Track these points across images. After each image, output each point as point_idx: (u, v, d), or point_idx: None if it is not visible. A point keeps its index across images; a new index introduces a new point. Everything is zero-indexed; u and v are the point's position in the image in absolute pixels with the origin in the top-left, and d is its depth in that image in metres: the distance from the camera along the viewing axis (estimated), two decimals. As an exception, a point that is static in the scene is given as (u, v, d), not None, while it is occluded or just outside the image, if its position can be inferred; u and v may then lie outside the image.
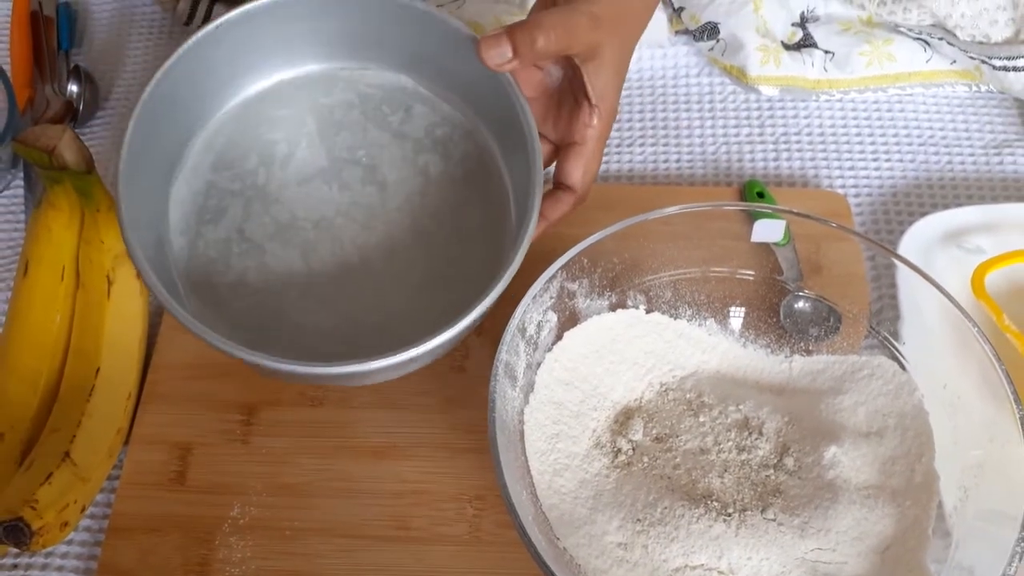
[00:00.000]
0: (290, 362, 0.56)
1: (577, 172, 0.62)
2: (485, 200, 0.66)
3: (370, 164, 0.66)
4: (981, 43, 0.82)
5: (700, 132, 0.85)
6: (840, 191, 0.81)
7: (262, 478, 0.66)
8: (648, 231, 0.65)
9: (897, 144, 0.83)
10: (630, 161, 0.84)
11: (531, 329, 0.62)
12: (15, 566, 0.65)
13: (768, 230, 0.67)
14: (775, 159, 0.83)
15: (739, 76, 0.86)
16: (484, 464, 0.63)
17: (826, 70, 0.85)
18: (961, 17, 0.81)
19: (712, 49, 0.87)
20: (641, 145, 0.85)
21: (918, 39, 0.84)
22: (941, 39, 0.83)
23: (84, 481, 0.64)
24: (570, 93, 0.63)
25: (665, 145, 0.85)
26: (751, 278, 0.68)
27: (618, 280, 0.66)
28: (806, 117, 0.85)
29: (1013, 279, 0.71)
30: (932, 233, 0.74)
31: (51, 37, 0.90)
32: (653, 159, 0.84)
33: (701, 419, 0.64)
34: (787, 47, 0.86)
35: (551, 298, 0.63)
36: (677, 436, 0.63)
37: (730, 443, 0.62)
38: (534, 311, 0.61)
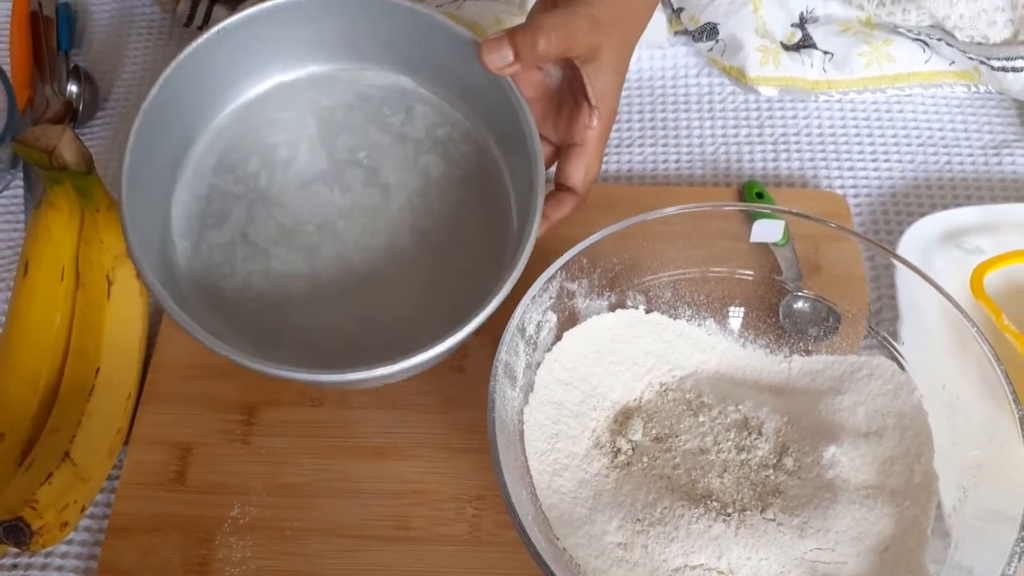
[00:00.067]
0: (291, 369, 0.56)
1: (578, 173, 0.62)
2: (486, 201, 0.66)
3: (371, 166, 0.66)
4: (980, 44, 0.82)
5: (699, 132, 0.85)
6: (839, 191, 0.81)
7: (262, 478, 0.66)
8: (647, 231, 0.65)
9: (896, 144, 0.84)
10: (629, 161, 0.84)
11: (531, 329, 0.62)
12: (15, 566, 0.65)
13: (767, 230, 0.67)
14: (774, 159, 0.83)
15: (738, 77, 0.86)
16: (484, 464, 0.63)
17: (825, 71, 0.85)
18: (960, 18, 0.81)
19: (711, 50, 0.87)
20: (640, 145, 0.85)
21: (917, 40, 0.84)
22: (940, 40, 0.83)
23: (84, 481, 0.64)
24: (570, 94, 0.63)
25: (664, 145, 0.85)
26: (750, 278, 0.69)
27: (617, 280, 0.66)
28: (805, 118, 0.85)
29: (1012, 279, 0.71)
30: (931, 233, 0.74)
31: (51, 37, 0.90)
32: (652, 159, 0.84)
33: (700, 419, 0.64)
34: (786, 48, 0.86)
35: (551, 298, 0.63)
36: (676, 436, 0.63)
37: (729, 443, 0.62)
38: (534, 311, 0.62)
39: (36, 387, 0.67)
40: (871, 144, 0.84)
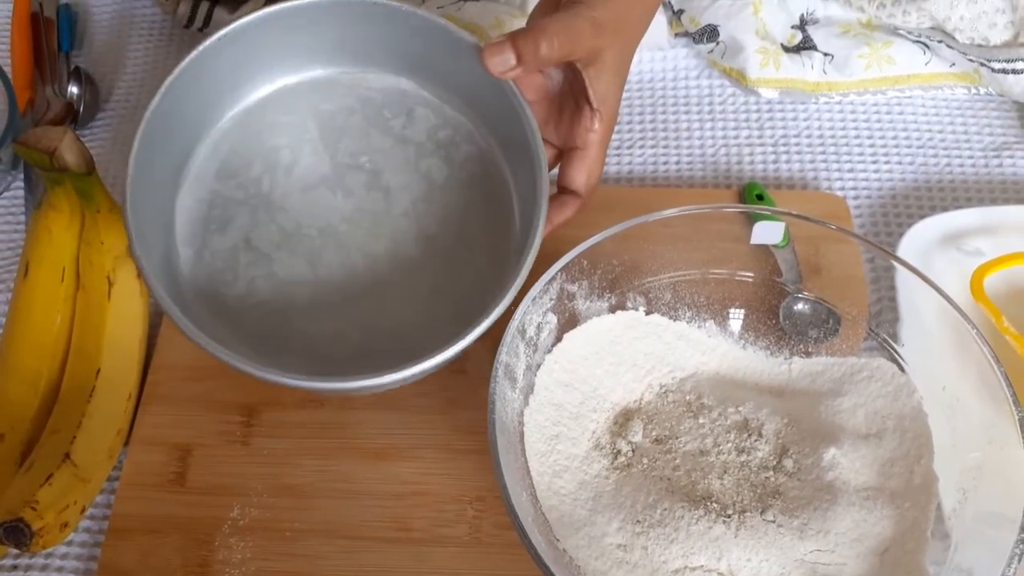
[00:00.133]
0: (295, 377, 0.56)
1: (581, 177, 0.62)
2: (489, 204, 0.66)
3: (373, 169, 0.66)
4: (980, 46, 0.82)
5: (700, 134, 0.85)
6: (839, 193, 0.81)
7: (262, 479, 0.66)
8: (648, 233, 0.65)
9: (896, 146, 0.84)
10: (630, 163, 0.84)
11: (531, 331, 0.62)
12: (15, 567, 0.65)
13: (767, 232, 0.67)
14: (774, 161, 0.83)
15: (739, 78, 0.86)
16: (484, 465, 0.63)
17: (825, 72, 0.85)
18: (960, 20, 0.81)
19: (712, 51, 0.87)
20: (641, 147, 0.85)
21: (917, 42, 0.84)
22: (940, 42, 0.83)
23: (84, 482, 0.64)
24: (571, 97, 0.63)
25: (665, 147, 0.85)
26: (750, 280, 0.69)
27: (618, 282, 0.67)
28: (805, 119, 0.85)
29: (1012, 281, 0.71)
30: (931, 235, 0.74)
31: (51, 39, 0.90)
32: (653, 161, 0.84)
33: (701, 421, 0.64)
34: (786, 49, 0.86)
35: (551, 300, 0.63)
36: (677, 438, 0.63)
37: (729, 445, 0.62)
38: (534, 313, 0.62)
39: (36, 388, 0.67)
40: (871, 146, 0.84)
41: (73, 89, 0.88)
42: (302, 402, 0.69)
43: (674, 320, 0.68)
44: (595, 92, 0.60)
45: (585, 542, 0.58)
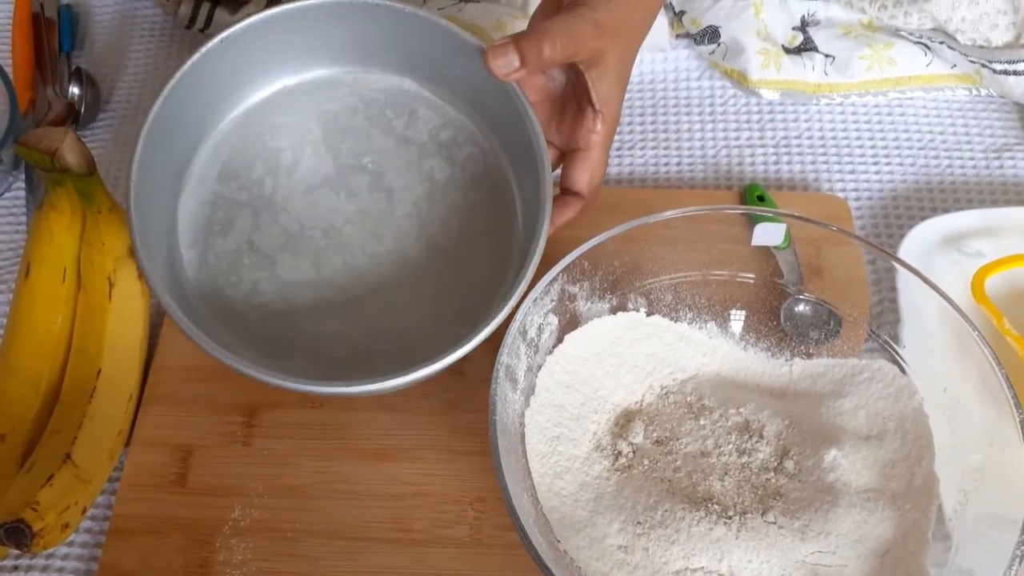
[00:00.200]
0: (300, 381, 0.56)
1: (583, 178, 0.62)
2: (491, 204, 0.66)
3: (376, 170, 0.66)
4: (982, 47, 0.82)
5: (701, 136, 0.85)
6: (840, 195, 0.81)
7: (263, 480, 0.66)
8: (649, 234, 0.65)
9: (897, 148, 0.84)
10: (631, 164, 0.84)
11: (532, 332, 0.62)
12: (16, 568, 0.65)
13: (768, 233, 0.67)
14: (775, 163, 0.83)
15: (740, 80, 0.86)
16: (485, 466, 0.63)
17: (826, 74, 0.85)
18: (962, 21, 0.81)
19: (713, 53, 0.87)
20: (642, 148, 0.85)
21: (919, 43, 0.84)
22: (942, 43, 0.83)
23: (85, 483, 0.64)
24: (573, 98, 0.63)
25: (666, 148, 0.85)
26: (752, 281, 0.69)
27: (619, 283, 0.67)
28: (806, 121, 0.85)
29: (1013, 283, 0.71)
30: (932, 237, 0.74)
31: (52, 39, 0.90)
32: (654, 162, 0.84)
33: (702, 422, 0.64)
34: (788, 51, 0.86)
35: (552, 301, 0.63)
36: (677, 439, 0.63)
37: (730, 446, 0.62)
38: (535, 314, 0.62)
39: (38, 388, 0.67)
40: (872, 147, 0.84)
41: (74, 90, 0.88)
42: (302, 403, 0.69)
43: (675, 321, 0.68)
44: (597, 93, 0.60)
45: (586, 543, 0.58)
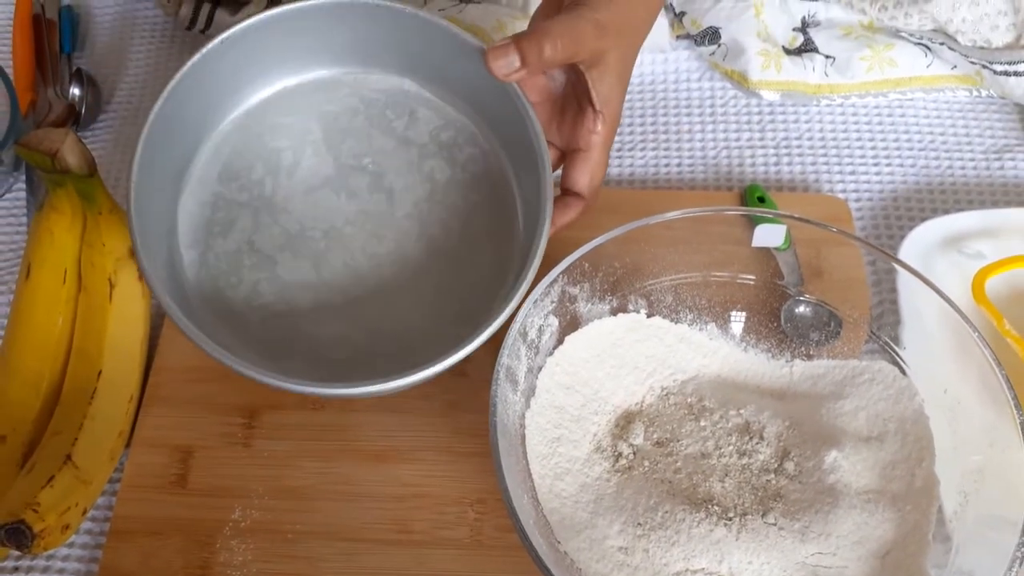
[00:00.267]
0: (300, 382, 0.56)
1: (584, 179, 0.62)
2: (492, 205, 0.66)
3: (377, 171, 0.66)
4: (982, 48, 0.82)
5: (701, 137, 0.85)
6: (841, 196, 0.81)
7: (263, 481, 0.66)
8: (649, 235, 0.65)
9: (898, 149, 0.84)
10: (631, 165, 0.84)
11: (532, 333, 0.62)
12: (16, 569, 0.65)
13: (769, 235, 0.67)
14: (776, 164, 0.83)
15: (740, 81, 0.86)
16: (485, 468, 0.63)
17: (827, 75, 0.85)
18: (962, 22, 0.81)
19: (713, 54, 0.87)
20: (642, 149, 0.85)
21: (919, 44, 0.84)
22: (942, 44, 0.83)
23: (86, 484, 0.64)
24: (574, 99, 0.63)
25: (666, 149, 0.85)
26: (752, 282, 0.69)
27: (619, 284, 0.67)
28: (807, 122, 0.85)
29: (1013, 284, 0.71)
30: (932, 238, 0.74)
31: (53, 40, 0.90)
32: (654, 163, 0.84)
33: (702, 423, 0.64)
34: (788, 52, 0.86)
35: (552, 302, 0.63)
36: (678, 440, 0.63)
37: (731, 447, 0.62)
38: (535, 315, 0.62)
39: (38, 389, 0.67)
40: (873, 148, 0.84)
41: (75, 91, 0.88)
42: (303, 404, 0.69)
43: (675, 323, 0.68)
44: (598, 94, 0.60)
45: (586, 545, 0.58)
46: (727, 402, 0.64)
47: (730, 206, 0.79)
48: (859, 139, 0.84)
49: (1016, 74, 0.80)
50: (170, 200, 0.64)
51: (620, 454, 0.63)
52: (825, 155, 0.83)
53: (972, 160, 0.83)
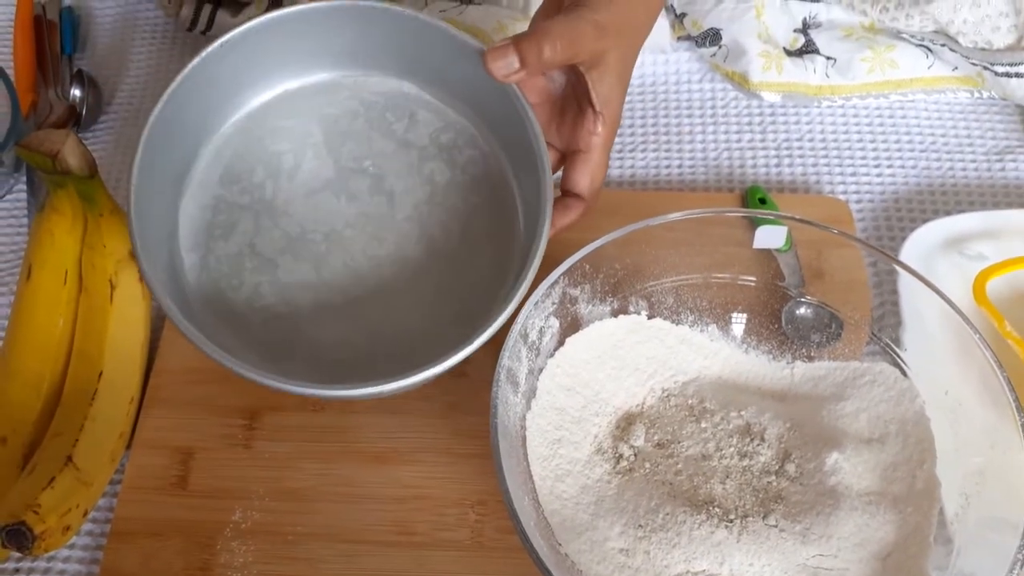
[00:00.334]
0: (300, 384, 0.56)
1: (584, 180, 0.62)
2: (492, 206, 0.66)
3: (377, 174, 0.66)
4: (983, 49, 0.82)
5: (702, 138, 0.85)
6: (842, 197, 0.81)
7: (264, 483, 0.66)
8: (650, 237, 0.65)
9: (899, 150, 0.84)
10: (632, 167, 0.84)
11: (533, 335, 0.62)
12: (17, 570, 0.65)
13: (770, 236, 0.67)
14: (777, 165, 0.83)
15: (741, 82, 0.86)
16: (486, 469, 0.63)
17: (828, 76, 0.85)
18: (963, 23, 0.81)
19: (714, 55, 0.87)
20: (643, 151, 0.85)
21: (920, 45, 0.84)
22: (943, 45, 0.83)
23: (86, 485, 0.64)
24: (574, 100, 0.63)
25: (667, 151, 0.85)
26: (753, 284, 0.69)
27: (620, 286, 0.66)
28: (808, 123, 0.85)
29: (1015, 286, 0.71)
30: (934, 239, 0.74)
31: (54, 41, 0.90)
32: (655, 165, 0.84)
33: (703, 425, 0.64)
34: (789, 53, 0.86)
35: (553, 304, 0.63)
36: (679, 442, 0.63)
37: (732, 449, 0.62)
38: (536, 317, 0.61)
39: (39, 391, 0.67)
40: (874, 150, 0.84)
41: (76, 92, 0.88)
42: (303, 406, 0.69)
43: (676, 324, 0.68)
44: (598, 95, 0.60)
45: (587, 547, 0.58)
46: (728, 404, 0.64)
47: (731, 207, 0.79)
48: (860, 140, 0.84)
49: (1017, 75, 0.80)
50: (171, 203, 0.64)
51: (621, 456, 0.63)
52: (826, 156, 0.83)
53: (973, 161, 0.83)
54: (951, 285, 0.66)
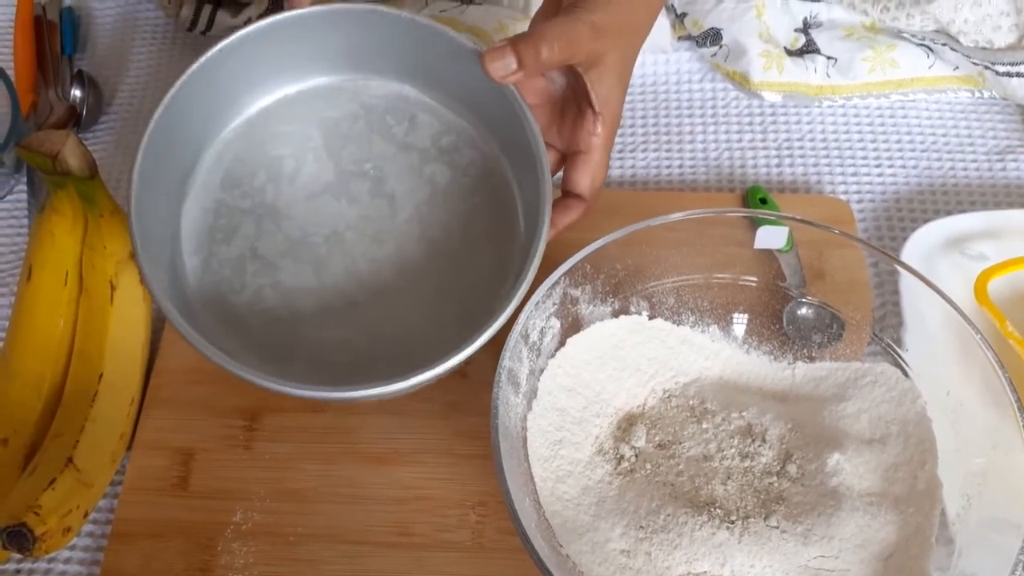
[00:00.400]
0: (301, 386, 0.56)
1: (584, 180, 0.62)
2: (493, 208, 0.66)
3: (377, 176, 0.66)
4: (984, 49, 0.82)
5: (703, 138, 0.85)
6: (843, 197, 0.81)
7: (265, 484, 0.66)
8: (651, 237, 0.65)
9: (900, 150, 0.83)
10: (633, 167, 0.84)
11: (534, 335, 0.62)
12: (18, 572, 0.65)
13: (771, 236, 0.67)
14: (778, 165, 0.83)
15: (742, 82, 0.86)
16: (487, 470, 0.63)
17: (829, 76, 0.85)
18: (964, 23, 0.81)
19: (715, 55, 0.87)
20: (644, 151, 0.85)
21: (921, 45, 0.84)
22: (944, 45, 0.83)
23: (87, 486, 0.64)
24: (574, 101, 0.63)
25: (668, 151, 0.85)
26: (754, 284, 0.69)
27: (621, 286, 0.66)
28: (809, 123, 0.85)
29: (1016, 286, 0.71)
30: (935, 239, 0.74)
31: (54, 42, 0.90)
32: (656, 165, 0.84)
33: (704, 426, 0.64)
34: (790, 53, 0.86)
35: (554, 304, 0.63)
36: (680, 443, 0.63)
37: (733, 450, 0.62)
38: (537, 317, 0.61)
39: (40, 392, 0.67)
40: (875, 150, 0.84)
41: (76, 92, 0.88)
42: (304, 407, 0.69)
43: (677, 325, 0.68)
44: (597, 95, 0.60)
45: (588, 548, 0.58)
46: (729, 404, 0.64)
47: (732, 208, 0.79)
48: (861, 140, 0.84)
49: (1018, 75, 0.80)
50: (172, 208, 0.64)
51: (622, 457, 0.63)
52: (827, 156, 0.83)
53: (974, 161, 0.82)
54: (952, 285, 0.66)
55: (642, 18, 0.63)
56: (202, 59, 0.60)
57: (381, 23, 0.63)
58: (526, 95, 0.62)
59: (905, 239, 0.74)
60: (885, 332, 0.65)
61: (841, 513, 0.58)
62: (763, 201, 0.78)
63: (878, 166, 0.83)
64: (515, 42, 0.58)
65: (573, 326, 0.65)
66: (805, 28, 0.87)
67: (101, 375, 0.67)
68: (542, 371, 0.63)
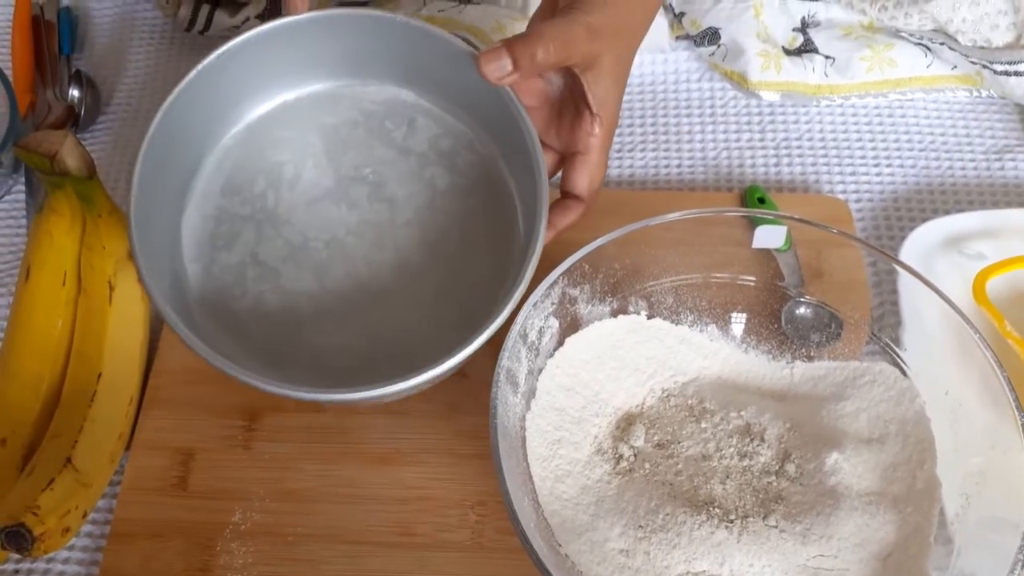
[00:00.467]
0: (298, 388, 0.56)
1: (583, 181, 0.62)
2: (492, 210, 0.66)
3: (377, 181, 0.66)
4: (982, 48, 0.82)
5: (701, 138, 0.85)
6: (841, 197, 0.81)
7: (264, 484, 0.66)
8: (650, 237, 0.65)
9: (898, 149, 0.84)
10: (631, 166, 0.84)
11: (533, 335, 0.62)
12: (16, 572, 0.65)
13: (769, 236, 0.67)
14: (776, 164, 0.83)
15: (740, 81, 0.86)
16: (487, 470, 0.63)
17: (827, 75, 0.85)
18: (962, 22, 0.81)
19: (713, 54, 0.87)
20: (642, 150, 0.85)
21: (919, 44, 0.84)
22: (942, 44, 0.83)
23: (86, 487, 0.64)
24: (571, 102, 0.63)
25: (666, 150, 0.85)
26: (752, 284, 0.69)
27: (619, 286, 0.66)
28: (807, 122, 0.85)
29: (1014, 285, 0.71)
30: (933, 239, 0.74)
31: (52, 42, 0.90)
32: (654, 164, 0.84)
33: (703, 425, 0.64)
34: (788, 52, 0.86)
35: (553, 304, 0.63)
36: (679, 442, 0.63)
37: (732, 449, 0.62)
38: (536, 317, 0.61)
39: (38, 392, 0.67)
40: (873, 149, 0.84)
41: (74, 92, 0.88)
42: (304, 407, 0.69)
43: (676, 324, 0.68)
44: (594, 96, 0.60)
45: (587, 547, 0.58)
46: (728, 404, 0.64)
47: (730, 207, 0.79)
48: (859, 140, 0.84)
49: (1016, 74, 0.80)
50: (173, 215, 0.64)
51: (621, 456, 0.63)
52: (825, 156, 0.83)
53: (972, 160, 0.82)
54: (951, 284, 0.66)
55: (638, 19, 0.63)
56: (199, 66, 0.60)
57: (376, 27, 0.63)
58: (523, 96, 0.62)
59: (903, 238, 0.74)
60: (883, 331, 0.65)
61: (840, 512, 0.58)
62: (761, 200, 0.78)
63: (876, 165, 0.83)
64: (510, 44, 0.58)
65: (571, 326, 0.65)
66: (803, 27, 0.87)
67: (100, 375, 0.67)
68: (541, 371, 0.64)
